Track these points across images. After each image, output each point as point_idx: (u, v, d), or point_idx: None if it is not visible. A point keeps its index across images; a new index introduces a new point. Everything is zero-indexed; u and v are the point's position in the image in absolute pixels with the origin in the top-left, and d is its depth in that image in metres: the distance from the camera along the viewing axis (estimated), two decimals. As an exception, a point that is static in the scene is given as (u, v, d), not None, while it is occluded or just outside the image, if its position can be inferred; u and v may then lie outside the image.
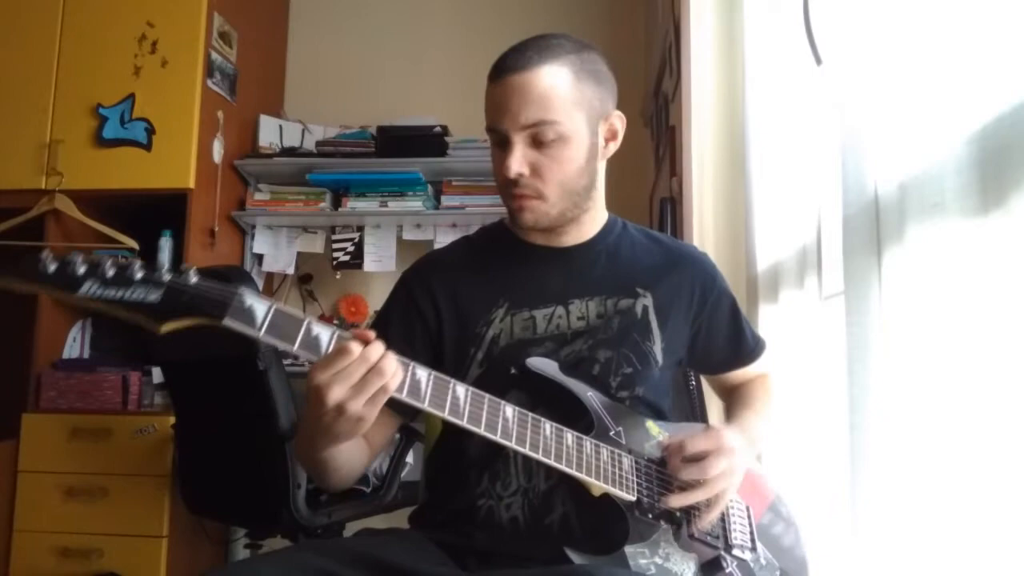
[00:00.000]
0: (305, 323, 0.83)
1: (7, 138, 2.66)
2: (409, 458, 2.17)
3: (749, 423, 1.14)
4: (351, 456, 1.02)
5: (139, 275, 0.78)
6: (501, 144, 1.04)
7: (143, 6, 2.70)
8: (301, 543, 2.05)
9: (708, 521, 1.00)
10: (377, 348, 0.82)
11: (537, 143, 1.01)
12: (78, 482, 2.47)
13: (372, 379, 0.81)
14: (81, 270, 0.77)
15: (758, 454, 1.16)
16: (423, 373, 0.88)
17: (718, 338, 1.21)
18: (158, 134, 2.65)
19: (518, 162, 1.01)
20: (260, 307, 0.81)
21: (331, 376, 0.80)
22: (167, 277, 0.79)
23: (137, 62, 2.68)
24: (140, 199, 2.69)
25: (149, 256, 2.63)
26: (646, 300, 1.12)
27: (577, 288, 1.11)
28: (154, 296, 0.78)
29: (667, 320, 1.13)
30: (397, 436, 1.96)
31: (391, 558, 0.91)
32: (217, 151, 2.80)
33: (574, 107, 1.02)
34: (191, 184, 2.64)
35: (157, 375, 2.58)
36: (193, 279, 0.80)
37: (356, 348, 0.81)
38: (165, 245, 2.69)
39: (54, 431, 2.50)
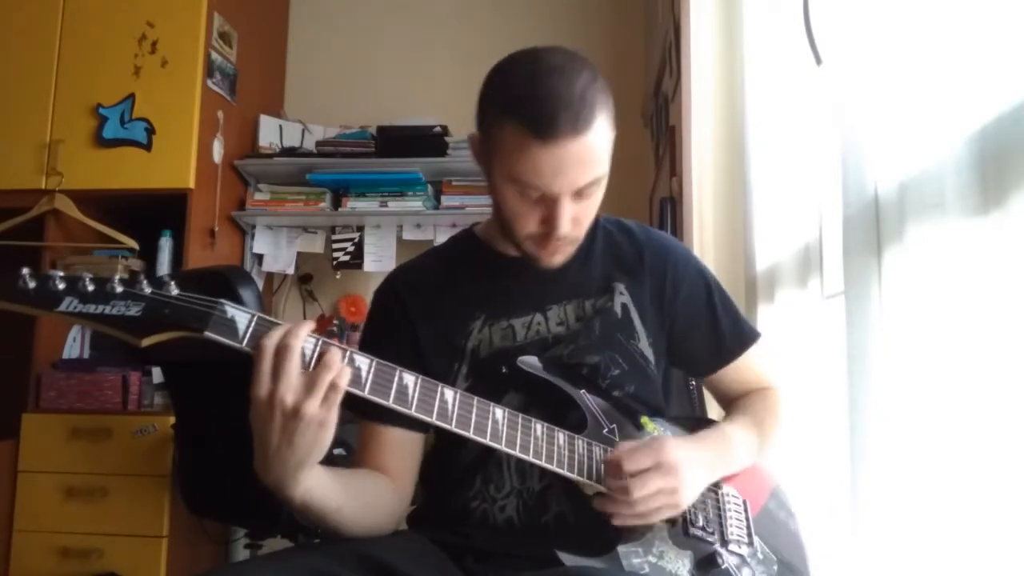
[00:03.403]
0: None
1: (7, 138, 2.67)
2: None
3: (724, 436, 1.07)
4: (348, 491, 0.92)
5: (119, 289, 0.77)
6: (536, 198, 0.97)
7: (143, 6, 2.70)
8: (300, 544, 2.05)
9: (631, 523, 0.95)
10: (319, 341, 0.80)
11: (580, 196, 0.97)
12: (78, 482, 2.47)
13: (320, 374, 0.78)
14: (60, 286, 0.76)
15: (736, 467, 1.08)
16: (410, 379, 0.87)
17: (696, 331, 1.15)
18: (158, 134, 2.65)
19: (568, 221, 0.97)
20: (242, 318, 0.80)
21: (275, 384, 0.78)
22: (148, 290, 0.78)
23: (137, 62, 2.68)
24: (140, 199, 2.69)
25: (149, 256, 2.65)
26: (624, 297, 1.10)
27: (553, 294, 1.09)
28: (135, 310, 0.77)
29: (646, 314, 1.11)
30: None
31: (391, 560, 0.90)
32: (217, 151, 2.80)
33: (610, 150, 0.99)
34: (191, 184, 2.65)
35: (157, 375, 2.58)
36: (174, 291, 0.79)
37: (295, 345, 0.78)
38: (165, 245, 2.69)
39: (54, 431, 2.50)
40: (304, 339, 0.80)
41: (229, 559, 2.75)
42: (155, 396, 2.60)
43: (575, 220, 0.98)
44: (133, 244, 2.64)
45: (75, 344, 2.74)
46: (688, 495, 0.96)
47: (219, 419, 2.07)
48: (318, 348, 0.82)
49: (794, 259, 1.49)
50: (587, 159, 0.93)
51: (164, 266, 2.68)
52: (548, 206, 0.96)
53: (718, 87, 2.03)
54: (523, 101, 0.92)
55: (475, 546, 1.00)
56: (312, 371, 0.79)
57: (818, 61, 1.31)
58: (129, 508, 2.45)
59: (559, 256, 1.03)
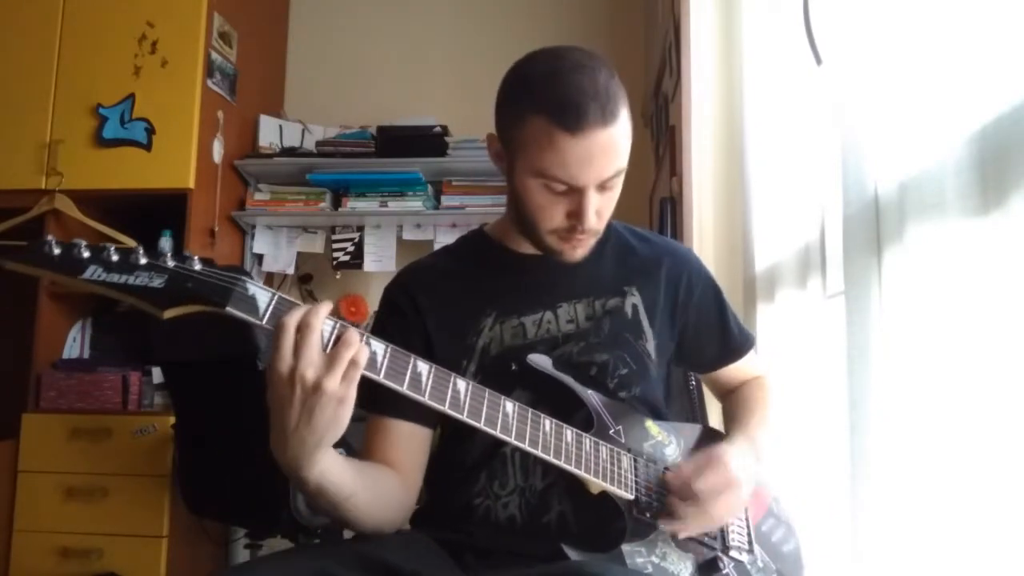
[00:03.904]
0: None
1: (7, 138, 2.67)
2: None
3: (755, 437, 1.12)
4: (360, 479, 0.92)
5: (143, 261, 0.79)
6: (561, 191, 0.97)
7: (143, 6, 2.70)
8: (301, 545, 2.05)
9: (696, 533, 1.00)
10: (337, 323, 0.82)
11: (603, 189, 0.98)
12: (78, 482, 2.47)
13: (340, 351, 0.79)
14: (86, 255, 0.77)
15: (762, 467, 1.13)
16: (424, 367, 0.88)
17: (706, 332, 1.20)
18: (158, 134, 2.65)
19: (594, 213, 0.98)
20: (263, 296, 0.81)
21: (296, 360, 0.78)
22: (172, 263, 0.79)
23: (137, 62, 2.68)
24: (140, 199, 2.69)
25: (149, 256, 2.65)
26: (635, 299, 1.12)
27: (564, 292, 1.10)
28: (158, 282, 0.78)
29: (655, 318, 1.12)
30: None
31: (391, 559, 0.90)
32: (217, 151, 2.80)
33: (630, 143, 0.99)
34: (191, 184, 2.65)
35: (157, 375, 2.58)
36: (197, 266, 0.80)
37: (316, 324, 0.79)
38: (165, 245, 2.69)
39: (54, 431, 2.50)
40: (324, 319, 0.81)
41: (229, 559, 2.75)
42: (155, 396, 2.60)
43: (598, 213, 1.00)
44: (133, 244, 2.63)
45: (75, 344, 2.74)
46: (742, 507, 1.03)
47: (219, 419, 2.08)
48: (336, 330, 0.82)
49: (794, 259, 1.49)
50: (612, 150, 0.95)
51: (164, 266, 2.67)
52: (574, 199, 0.98)
53: (718, 87, 2.03)
54: (549, 96, 0.94)
55: (476, 544, 1.00)
56: (332, 348, 0.80)
57: (818, 61, 1.31)
58: (129, 508, 2.45)
59: (581, 250, 1.04)
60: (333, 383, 0.78)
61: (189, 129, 2.65)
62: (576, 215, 0.98)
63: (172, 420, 2.32)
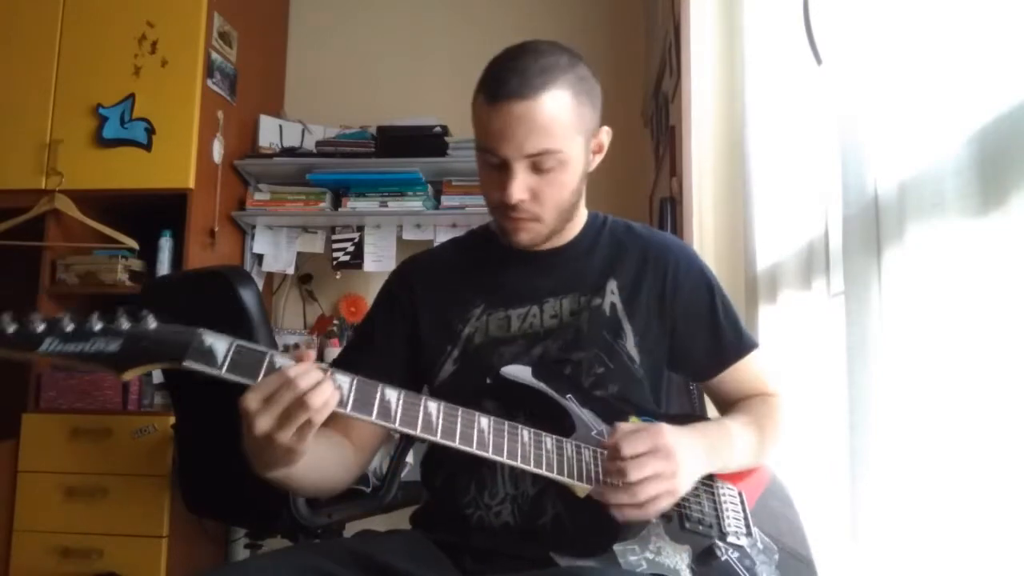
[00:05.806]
0: (268, 357, 0.84)
1: (7, 138, 2.66)
2: (409, 458, 2.17)
3: (724, 429, 1.08)
4: (318, 466, 0.98)
5: (98, 327, 0.80)
6: (497, 166, 1.01)
7: (143, 6, 2.70)
8: (299, 544, 2.05)
9: (633, 517, 0.92)
10: (308, 377, 0.81)
11: (537, 169, 1.00)
12: (78, 482, 2.47)
13: (297, 412, 0.80)
14: (40, 328, 0.79)
15: (734, 463, 1.08)
16: (392, 394, 0.88)
17: (696, 330, 1.15)
18: (158, 134, 2.65)
19: (520, 190, 1.00)
20: (221, 345, 0.82)
21: (260, 405, 0.80)
22: (125, 326, 0.81)
23: (137, 62, 2.68)
24: (140, 199, 2.69)
25: (149, 256, 2.65)
26: (614, 296, 1.11)
27: (553, 287, 1.11)
28: (113, 346, 0.80)
29: (636, 313, 1.10)
30: (396, 435, 1.95)
31: (387, 559, 0.91)
32: (217, 151, 2.80)
33: (575, 132, 1.01)
34: (191, 184, 2.64)
35: (157, 375, 2.58)
36: (152, 325, 0.81)
37: (290, 373, 0.80)
38: (165, 245, 2.69)
39: (54, 431, 2.50)
40: (306, 379, 0.81)
41: (229, 559, 2.76)
42: (155, 396, 2.60)
43: (534, 194, 1.01)
44: (133, 244, 2.64)
45: (75, 344, 2.73)
46: (685, 481, 0.94)
47: (219, 419, 2.07)
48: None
49: (796, 258, 1.49)
50: (534, 125, 0.97)
51: (164, 266, 2.68)
52: (505, 174, 1.01)
53: (718, 87, 2.03)
54: (487, 72, 1.00)
55: (474, 547, 1.00)
56: (290, 406, 0.80)
57: (818, 61, 1.30)
58: (129, 508, 2.45)
59: (524, 234, 1.06)
60: (284, 438, 0.81)
61: (189, 129, 2.65)
62: (502, 188, 1.01)
63: (172, 420, 2.32)
